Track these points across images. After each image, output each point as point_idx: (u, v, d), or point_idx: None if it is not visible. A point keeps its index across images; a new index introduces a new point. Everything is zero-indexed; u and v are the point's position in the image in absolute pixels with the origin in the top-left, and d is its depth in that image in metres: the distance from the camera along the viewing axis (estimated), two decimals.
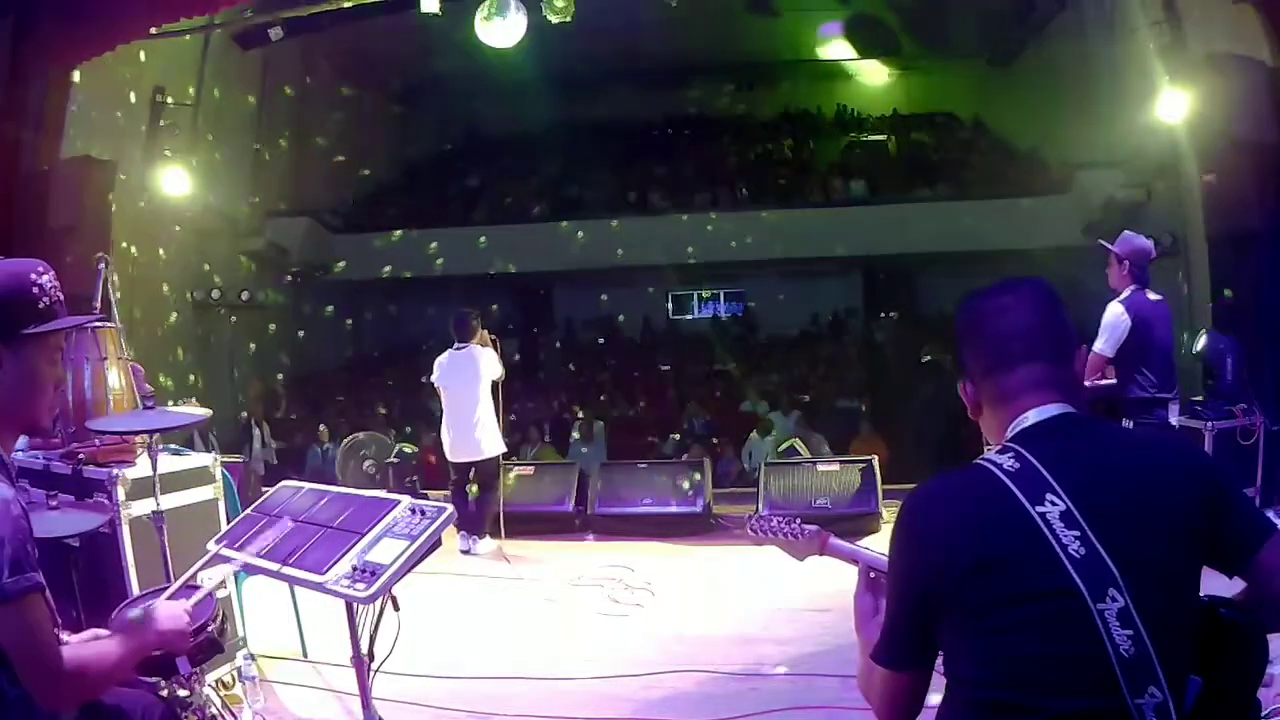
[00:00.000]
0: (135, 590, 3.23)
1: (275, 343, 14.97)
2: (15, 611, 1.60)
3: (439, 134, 19.99)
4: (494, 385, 6.65)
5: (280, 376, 14.87)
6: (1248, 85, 6.84)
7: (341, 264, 15.72)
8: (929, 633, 1.41)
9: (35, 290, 1.79)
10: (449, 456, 6.68)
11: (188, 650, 2.50)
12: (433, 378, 6.72)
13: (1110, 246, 4.85)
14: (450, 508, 2.53)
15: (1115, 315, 4.65)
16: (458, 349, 6.64)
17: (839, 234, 14.91)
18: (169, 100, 10.27)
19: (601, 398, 14.15)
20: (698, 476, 7.11)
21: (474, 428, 6.50)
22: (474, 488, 6.64)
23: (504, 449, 6.74)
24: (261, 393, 13.67)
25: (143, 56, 9.58)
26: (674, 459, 9.93)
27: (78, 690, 1.74)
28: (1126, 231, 4.97)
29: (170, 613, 2.06)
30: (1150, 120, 8.79)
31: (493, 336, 6.82)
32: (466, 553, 6.43)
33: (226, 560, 2.59)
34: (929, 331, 14.56)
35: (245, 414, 12.19)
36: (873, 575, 1.77)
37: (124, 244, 9.32)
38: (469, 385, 6.52)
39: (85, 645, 1.77)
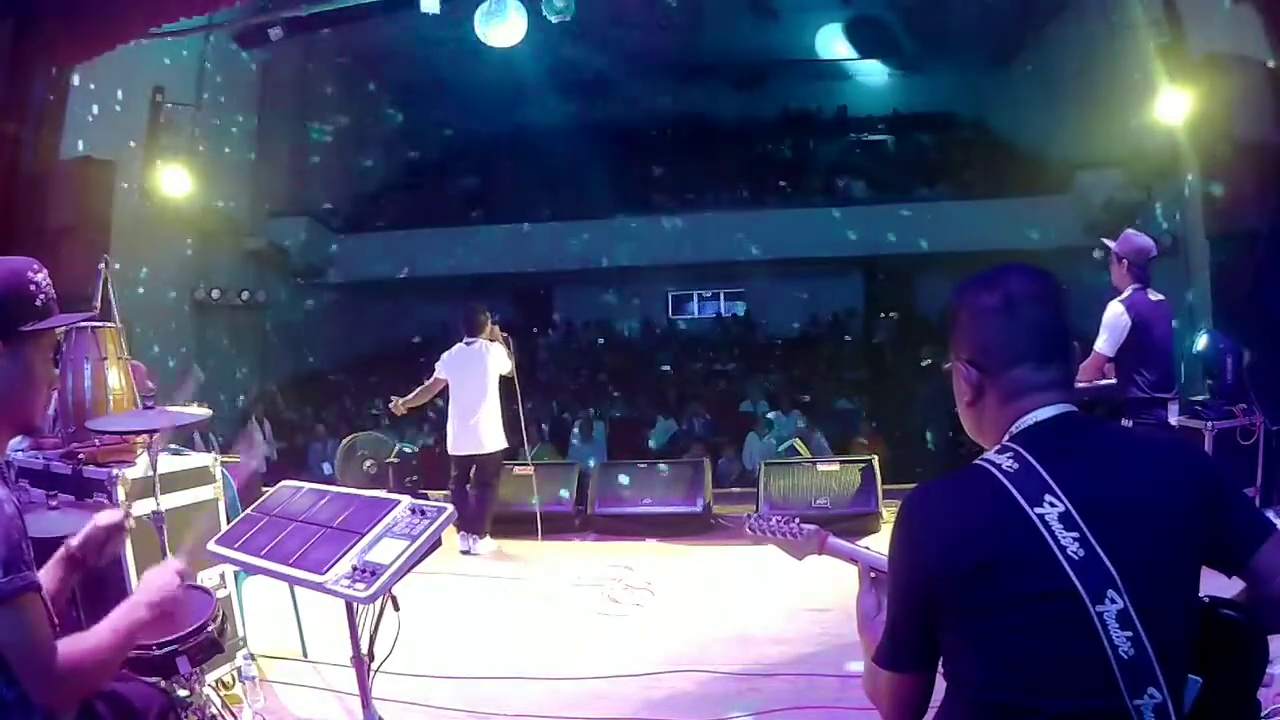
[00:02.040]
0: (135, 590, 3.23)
1: (275, 343, 14.97)
2: (10, 612, 1.58)
3: (439, 134, 20.00)
4: (506, 382, 6.65)
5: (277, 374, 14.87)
6: (1248, 85, 6.83)
7: (341, 264, 15.73)
8: (930, 634, 1.40)
9: (32, 288, 1.79)
10: (450, 449, 6.70)
11: (180, 635, 2.49)
12: (438, 369, 6.71)
13: (1111, 245, 4.85)
14: (450, 508, 2.53)
15: (1116, 314, 4.64)
16: (467, 343, 6.66)
17: (839, 234, 14.91)
18: (169, 100, 10.27)
19: (601, 398, 14.15)
20: (697, 476, 7.11)
21: (477, 420, 6.51)
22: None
23: (505, 445, 6.72)
24: (262, 393, 13.68)
25: (143, 56, 9.58)
26: (673, 458, 9.92)
27: (77, 687, 1.70)
28: (1128, 230, 4.97)
29: (157, 583, 1.98)
30: (1150, 120, 8.78)
31: (505, 334, 6.84)
32: (466, 553, 6.43)
33: (227, 560, 2.59)
34: (929, 331, 14.56)
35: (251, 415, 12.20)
36: (874, 575, 1.76)
37: (124, 244, 9.31)
38: (476, 379, 6.54)
39: (77, 639, 1.71)
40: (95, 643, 1.73)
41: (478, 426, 6.52)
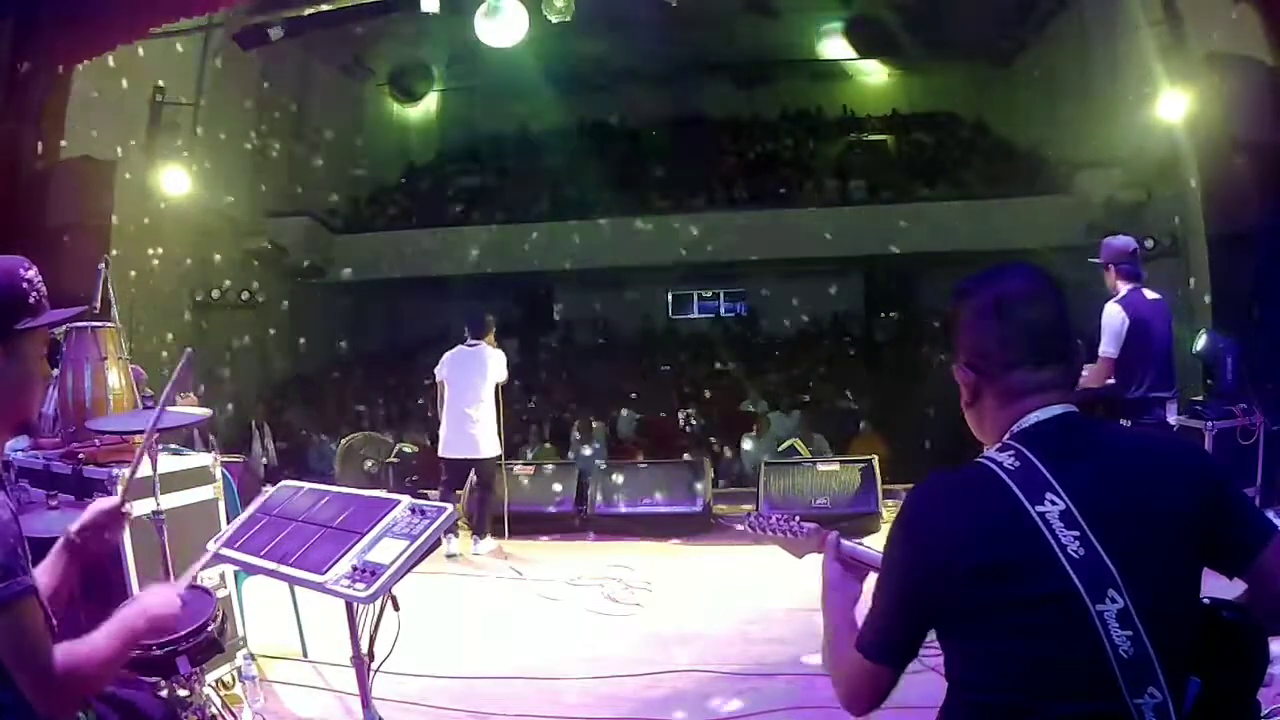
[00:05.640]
0: (136, 590, 3.23)
1: (275, 343, 14.97)
2: (7, 618, 1.57)
3: (439, 134, 19.99)
4: (497, 388, 6.63)
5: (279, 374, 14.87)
6: (1248, 85, 6.85)
7: (341, 264, 15.72)
8: (918, 632, 1.40)
9: (25, 285, 1.79)
10: (441, 452, 6.62)
11: (180, 635, 2.49)
12: (437, 371, 6.71)
13: (1095, 261, 4.91)
14: (450, 507, 2.53)
15: (1113, 316, 4.67)
16: (469, 345, 6.66)
17: (839, 234, 14.90)
18: (169, 100, 10.28)
19: (601, 398, 14.13)
20: (697, 476, 7.12)
21: (472, 425, 6.48)
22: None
23: (500, 451, 6.70)
24: (262, 393, 13.67)
25: (143, 56, 9.58)
26: (671, 458, 9.90)
27: (75, 691, 1.69)
28: (1106, 237, 5.03)
29: (160, 597, 1.99)
30: (1150, 120, 8.81)
31: (500, 346, 6.81)
32: (451, 556, 6.32)
33: (227, 560, 2.59)
34: (929, 331, 14.57)
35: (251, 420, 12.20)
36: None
37: (124, 244, 9.32)
38: (473, 383, 6.53)
39: (76, 644, 1.70)
40: (92, 648, 1.72)
41: (473, 431, 6.47)
